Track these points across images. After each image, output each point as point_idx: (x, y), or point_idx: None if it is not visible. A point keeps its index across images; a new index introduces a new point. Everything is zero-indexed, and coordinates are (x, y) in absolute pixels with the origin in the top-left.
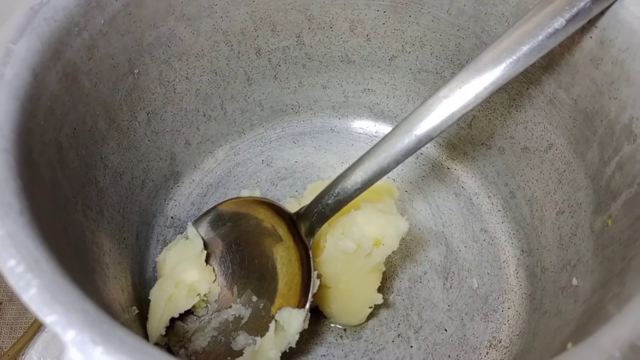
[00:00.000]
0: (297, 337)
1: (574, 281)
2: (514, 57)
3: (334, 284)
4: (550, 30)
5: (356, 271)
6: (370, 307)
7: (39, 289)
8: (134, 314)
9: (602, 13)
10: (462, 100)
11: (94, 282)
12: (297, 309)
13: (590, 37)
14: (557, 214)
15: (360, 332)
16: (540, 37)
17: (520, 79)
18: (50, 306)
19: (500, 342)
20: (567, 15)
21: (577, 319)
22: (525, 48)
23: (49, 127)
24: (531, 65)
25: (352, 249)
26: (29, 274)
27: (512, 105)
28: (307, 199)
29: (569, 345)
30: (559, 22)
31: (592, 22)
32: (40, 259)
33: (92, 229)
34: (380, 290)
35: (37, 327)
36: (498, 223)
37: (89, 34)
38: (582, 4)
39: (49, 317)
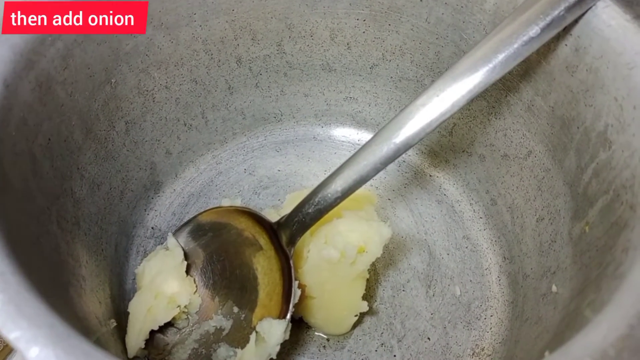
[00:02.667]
0: (277, 348)
1: (554, 288)
2: (490, 65)
3: (318, 294)
4: (525, 38)
5: (340, 280)
6: (355, 315)
7: (3, 303)
8: (112, 326)
9: (576, 21)
10: (440, 108)
11: (68, 295)
12: (277, 319)
13: (566, 44)
14: (537, 221)
15: (344, 342)
16: (515, 45)
17: (499, 87)
18: (14, 321)
19: (483, 350)
20: (542, 24)
21: (556, 326)
22: (501, 56)
23: (21, 137)
24: (509, 73)
25: (336, 257)
26: None
27: (492, 113)
28: (286, 209)
29: (546, 353)
30: (534, 30)
31: (567, 30)
32: (5, 271)
33: (68, 240)
34: (364, 298)
35: None
36: (480, 230)
37: (63, 43)
38: (556, 12)
39: (13, 334)
